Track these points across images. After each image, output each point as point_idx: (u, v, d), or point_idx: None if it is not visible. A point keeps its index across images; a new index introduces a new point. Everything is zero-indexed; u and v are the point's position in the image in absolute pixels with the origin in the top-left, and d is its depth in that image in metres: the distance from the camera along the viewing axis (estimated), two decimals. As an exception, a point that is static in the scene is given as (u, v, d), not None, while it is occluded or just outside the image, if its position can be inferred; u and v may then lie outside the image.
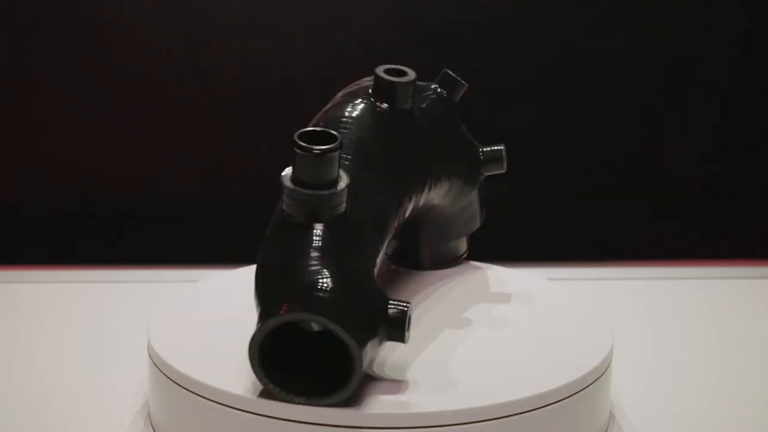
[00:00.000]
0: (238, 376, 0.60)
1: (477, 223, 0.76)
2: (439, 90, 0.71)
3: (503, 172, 0.73)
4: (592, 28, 1.07)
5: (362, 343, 0.55)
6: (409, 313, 0.57)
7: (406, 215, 0.67)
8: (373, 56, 1.04)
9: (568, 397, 0.60)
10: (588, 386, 0.61)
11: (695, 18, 1.06)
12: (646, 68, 1.08)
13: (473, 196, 0.73)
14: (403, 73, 0.67)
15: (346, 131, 0.64)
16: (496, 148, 0.72)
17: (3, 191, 1.08)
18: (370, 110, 0.66)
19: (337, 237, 0.58)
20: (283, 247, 0.58)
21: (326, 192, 0.57)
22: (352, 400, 0.56)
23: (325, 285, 0.56)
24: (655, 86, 1.08)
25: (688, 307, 0.91)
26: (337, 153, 0.57)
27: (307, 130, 0.58)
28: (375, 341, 0.56)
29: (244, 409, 0.58)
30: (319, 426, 0.56)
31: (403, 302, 0.57)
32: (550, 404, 0.59)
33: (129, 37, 1.05)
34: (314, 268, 0.56)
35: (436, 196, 0.70)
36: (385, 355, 0.63)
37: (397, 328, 0.56)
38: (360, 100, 0.66)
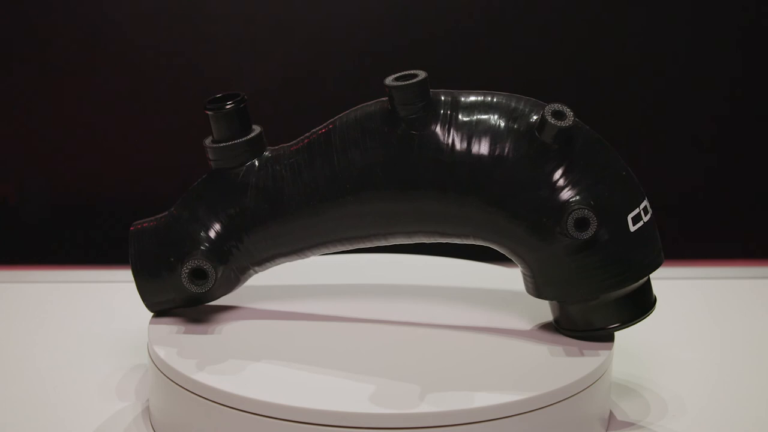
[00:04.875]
0: (238, 376, 0.60)
1: (597, 287, 0.64)
2: (534, 125, 0.64)
3: (581, 239, 0.61)
4: (592, 29, 1.07)
5: (150, 269, 0.67)
6: (196, 266, 0.65)
7: (385, 224, 0.66)
8: (374, 56, 1.04)
9: (569, 397, 0.60)
10: (588, 386, 0.61)
11: (695, 19, 1.06)
12: (645, 68, 1.08)
13: (556, 255, 0.63)
14: (413, 77, 0.64)
15: (336, 122, 0.66)
16: (570, 212, 0.61)
17: (3, 191, 1.08)
18: (372, 111, 0.65)
19: (212, 186, 0.67)
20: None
21: (213, 145, 0.67)
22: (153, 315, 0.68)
23: (164, 213, 0.68)
24: (655, 86, 1.08)
25: (688, 307, 0.91)
26: (226, 111, 0.66)
27: (221, 95, 0.68)
28: (174, 273, 0.66)
29: (243, 409, 0.58)
30: (319, 426, 0.56)
31: (201, 258, 0.65)
32: (551, 404, 0.59)
33: (129, 37, 1.05)
34: (180, 200, 0.68)
35: (477, 230, 0.65)
36: (386, 354, 0.63)
37: (183, 270, 0.65)
38: (377, 102, 0.66)
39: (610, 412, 0.68)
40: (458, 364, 0.62)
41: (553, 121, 0.62)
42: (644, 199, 0.65)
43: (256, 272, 0.69)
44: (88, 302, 0.90)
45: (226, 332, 0.66)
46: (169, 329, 0.66)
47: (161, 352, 0.63)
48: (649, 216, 0.64)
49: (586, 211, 0.61)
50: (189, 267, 0.65)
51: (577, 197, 0.62)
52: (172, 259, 0.66)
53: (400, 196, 0.65)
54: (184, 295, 0.67)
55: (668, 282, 0.96)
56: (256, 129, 0.68)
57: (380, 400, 0.57)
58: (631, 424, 0.68)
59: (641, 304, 0.66)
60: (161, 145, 1.08)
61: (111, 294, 0.92)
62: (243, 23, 1.05)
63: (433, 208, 0.64)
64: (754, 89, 1.08)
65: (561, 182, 0.63)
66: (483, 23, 1.05)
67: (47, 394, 0.71)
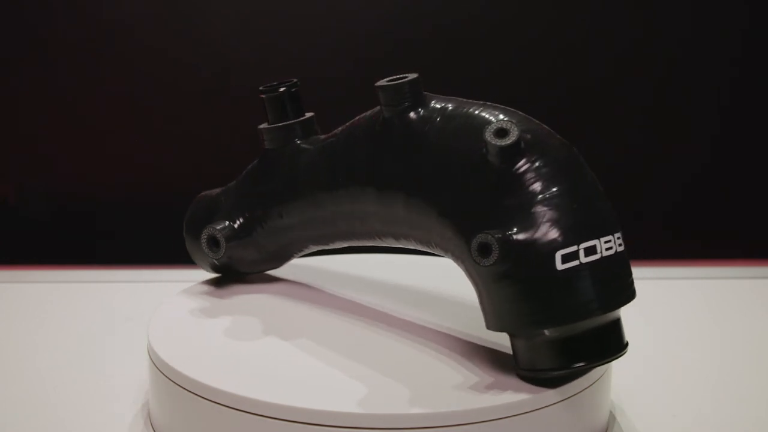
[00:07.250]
0: (238, 376, 0.60)
1: (536, 318, 0.57)
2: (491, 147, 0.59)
3: (483, 266, 0.57)
4: (591, 30, 1.07)
5: (194, 232, 0.73)
6: (211, 234, 0.71)
7: (361, 218, 0.66)
8: (376, 57, 1.04)
9: (569, 397, 0.60)
10: (588, 387, 0.61)
11: (695, 19, 1.07)
12: (643, 69, 1.08)
13: (488, 279, 0.58)
14: (400, 80, 0.63)
15: (354, 120, 0.67)
16: (481, 237, 0.57)
17: (3, 191, 1.08)
18: (377, 111, 0.65)
19: (256, 164, 0.72)
20: None
21: (263, 126, 0.72)
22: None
23: (213, 190, 0.75)
24: (655, 86, 1.08)
25: (688, 307, 0.91)
26: (274, 95, 0.71)
27: (277, 81, 0.71)
28: (204, 240, 0.72)
29: (244, 409, 0.58)
30: (319, 426, 0.56)
31: (218, 229, 0.70)
32: (551, 405, 0.59)
33: (128, 39, 1.05)
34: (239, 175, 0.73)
35: (438, 238, 0.62)
36: (386, 355, 0.63)
37: (202, 236, 0.71)
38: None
39: (611, 412, 0.68)
40: (458, 363, 0.62)
41: (491, 140, 0.58)
42: (595, 238, 0.57)
43: (297, 255, 0.73)
44: (88, 302, 0.90)
45: (226, 333, 0.66)
46: (169, 329, 0.67)
47: (161, 352, 0.63)
48: (593, 258, 0.57)
49: (490, 237, 0.56)
50: (206, 234, 0.71)
51: (497, 222, 0.57)
52: (205, 226, 0.72)
53: (378, 197, 0.64)
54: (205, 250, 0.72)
55: (669, 282, 0.97)
56: (306, 115, 0.71)
57: (380, 400, 0.57)
58: (631, 424, 0.68)
59: (597, 349, 0.58)
60: (162, 145, 1.08)
61: (111, 294, 0.92)
62: (245, 24, 1.05)
63: (403, 213, 0.63)
64: (755, 89, 1.08)
65: (493, 204, 0.58)
66: (503, 28, 1.05)
67: (47, 394, 0.71)
